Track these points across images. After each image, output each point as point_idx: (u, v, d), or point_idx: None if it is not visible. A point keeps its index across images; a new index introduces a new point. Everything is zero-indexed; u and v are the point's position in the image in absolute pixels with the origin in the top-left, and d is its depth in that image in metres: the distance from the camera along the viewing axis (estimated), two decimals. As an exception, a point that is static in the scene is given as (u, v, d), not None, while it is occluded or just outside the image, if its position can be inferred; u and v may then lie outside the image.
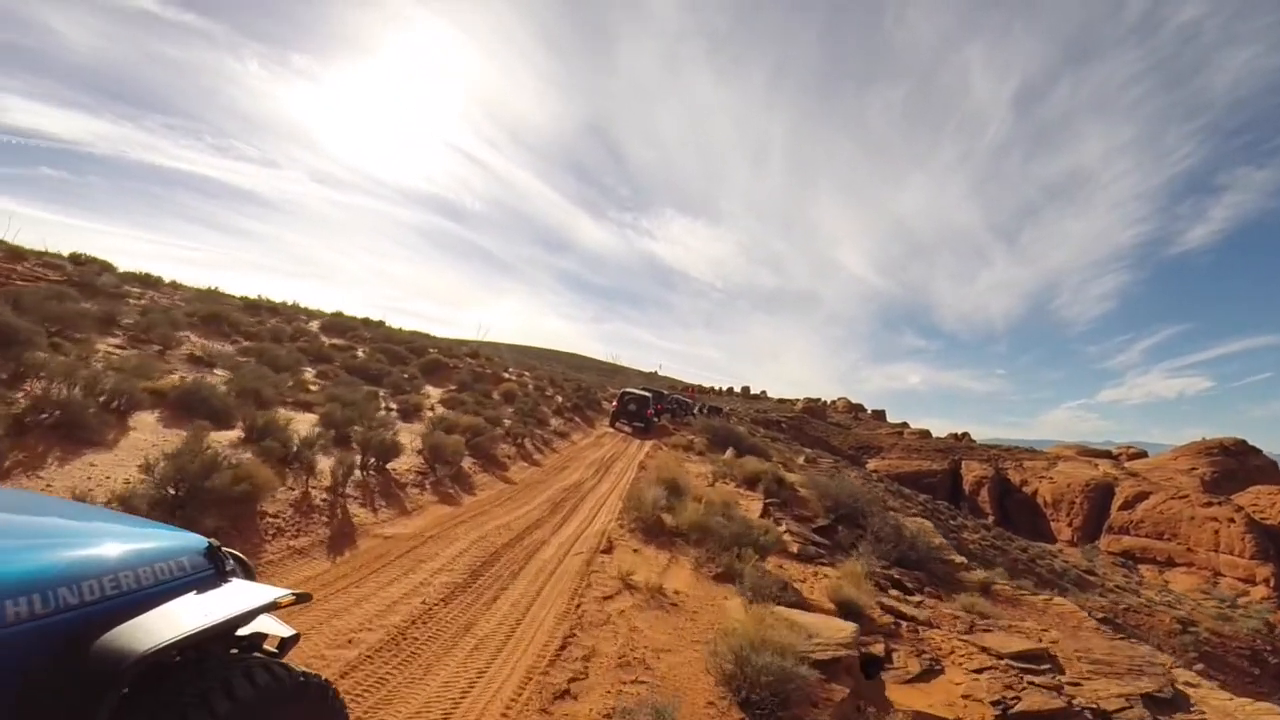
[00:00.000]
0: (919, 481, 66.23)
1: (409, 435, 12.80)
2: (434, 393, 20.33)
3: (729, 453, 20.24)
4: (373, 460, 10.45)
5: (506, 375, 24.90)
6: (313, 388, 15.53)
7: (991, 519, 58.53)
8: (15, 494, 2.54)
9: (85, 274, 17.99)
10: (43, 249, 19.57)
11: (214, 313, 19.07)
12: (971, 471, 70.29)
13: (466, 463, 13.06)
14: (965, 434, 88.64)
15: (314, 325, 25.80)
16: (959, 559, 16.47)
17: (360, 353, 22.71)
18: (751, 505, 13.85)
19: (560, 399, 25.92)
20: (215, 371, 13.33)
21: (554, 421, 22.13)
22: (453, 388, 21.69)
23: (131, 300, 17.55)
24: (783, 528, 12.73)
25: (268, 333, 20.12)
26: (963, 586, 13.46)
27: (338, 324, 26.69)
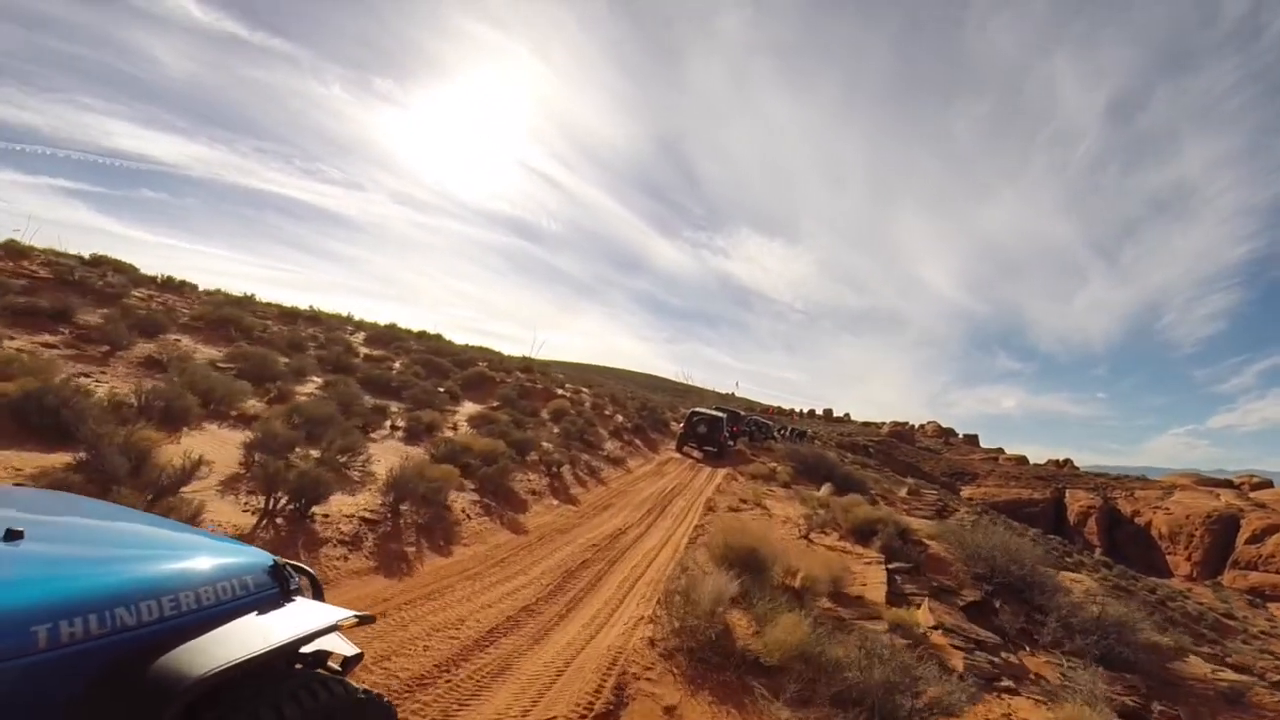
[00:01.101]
0: (1018, 511, 59.56)
1: (398, 461, 8.94)
2: (468, 409, 16.62)
3: (825, 489, 15.22)
4: (289, 505, 6.56)
5: (560, 392, 21.03)
6: (300, 398, 12.12)
7: (1099, 551, 51.34)
8: (81, 502, 2.23)
9: (90, 275, 15.62)
10: (56, 248, 17.48)
11: (224, 317, 16.26)
12: (1077, 501, 62.69)
13: (465, 501, 9.02)
14: (1068, 460, 79.45)
15: (359, 336, 22.99)
16: (1163, 639, 10.88)
17: (397, 365, 19.48)
18: (869, 574, 8.99)
19: (620, 418, 21.79)
20: (157, 377, 10.05)
21: (609, 445, 17.90)
22: (494, 404, 17.95)
23: (131, 301, 14.94)
24: (925, 614, 7.84)
25: (284, 339, 17.12)
26: (1195, 692, 8.19)
27: (386, 335, 23.78)
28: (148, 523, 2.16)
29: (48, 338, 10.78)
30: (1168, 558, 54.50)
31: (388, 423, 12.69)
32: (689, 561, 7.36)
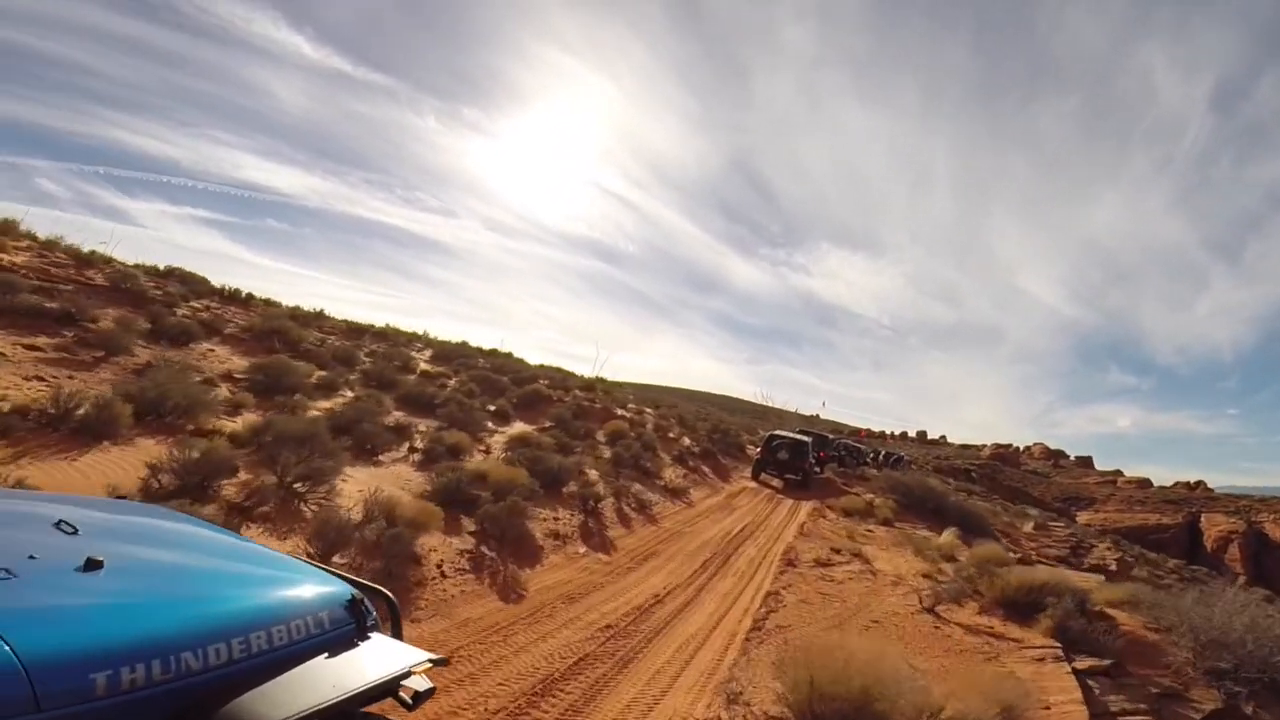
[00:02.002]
0: (1144, 538, 52.34)
1: (372, 492, 6.64)
2: (515, 429, 14.36)
3: (947, 535, 11.44)
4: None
5: (620, 412, 18.44)
6: (313, 411, 10.26)
7: (1242, 580, 43.55)
8: (175, 523, 2.00)
9: (149, 285, 14.82)
10: (139, 259, 16.99)
11: (272, 329, 15.02)
12: (1215, 525, 54.07)
13: (450, 550, 6.53)
14: (1200, 482, 68.44)
15: (424, 353, 21.59)
16: None
17: (452, 382, 17.69)
18: (1048, 682, 5.55)
19: (687, 441, 18.85)
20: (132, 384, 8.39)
21: (669, 473, 15.00)
22: (545, 425, 15.62)
23: (183, 311, 13.94)
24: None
25: (332, 353, 15.69)
26: None
27: (453, 352, 22.28)
28: (231, 547, 1.91)
29: (43, 339, 9.51)
30: None
31: (406, 444, 10.57)
32: (743, 689, 4.36)
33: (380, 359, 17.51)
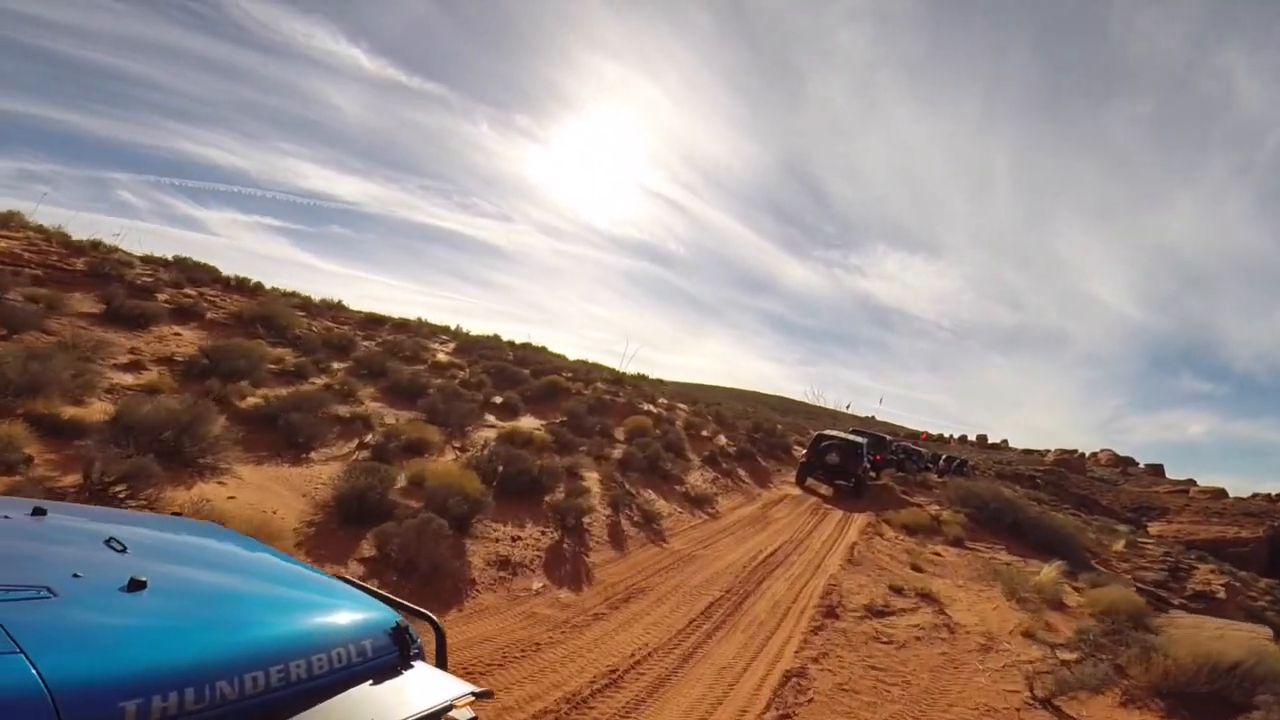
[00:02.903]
0: (1221, 551, 46.25)
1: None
2: (518, 424, 12.17)
3: (1050, 570, 8.21)
4: None
5: (647, 407, 15.96)
6: (250, 400, 8.36)
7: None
8: (220, 539, 1.87)
9: (135, 272, 13.57)
10: (150, 249, 15.93)
11: (260, 314, 13.45)
12: None
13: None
14: None
15: (448, 346, 19.85)
16: None
17: (465, 373, 15.76)
18: None
19: (723, 440, 16.18)
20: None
21: (694, 477, 12.42)
22: (557, 419, 13.37)
23: (160, 294, 12.54)
24: None
25: (323, 340, 14.00)
26: None
27: (475, 344, 20.44)
28: (278, 569, 1.77)
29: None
30: None
31: (357, 440, 8.51)
32: None
33: (385, 348, 15.79)
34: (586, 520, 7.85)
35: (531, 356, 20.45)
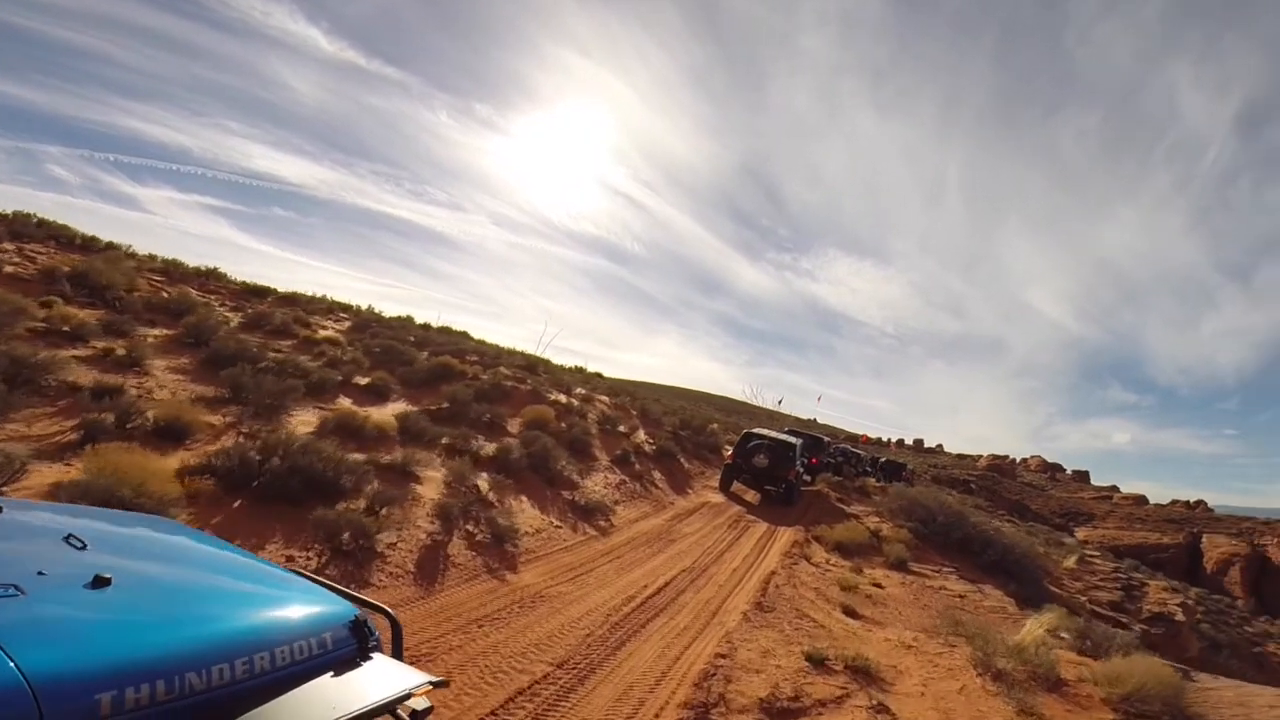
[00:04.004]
0: (1144, 556, 47.75)
1: None
2: (362, 411, 9.41)
3: (1039, 623, 5.95)
4: None
5: (555, 397, 13.33)
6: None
7: (1241, 602, 39.32)
8: (175, 534, 1.80)
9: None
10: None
11: (77, 271, 10.26)
12: (1216, 547, 49.47)
13: None
14: (1200, 502, 62.79)
15: (343, 323, 16.78)
16: None
17: (339, 350, 12.86)
18: None
19: (643, 437, 13.73)
20: None
21: (593, 480, 9.91)
22: (437, 406, 10.64)
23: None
24: None
25: (140, 302, 10.90)
26: None
27: (380, 323, 17.37)
28: (237, 564, 1.73)
29: None
30: None
31: (81, 417, 5.65)
32: None
33: (249, 320, 12.74)
34: (386, 540, 5.23)
35: (440, 339, 17.55)
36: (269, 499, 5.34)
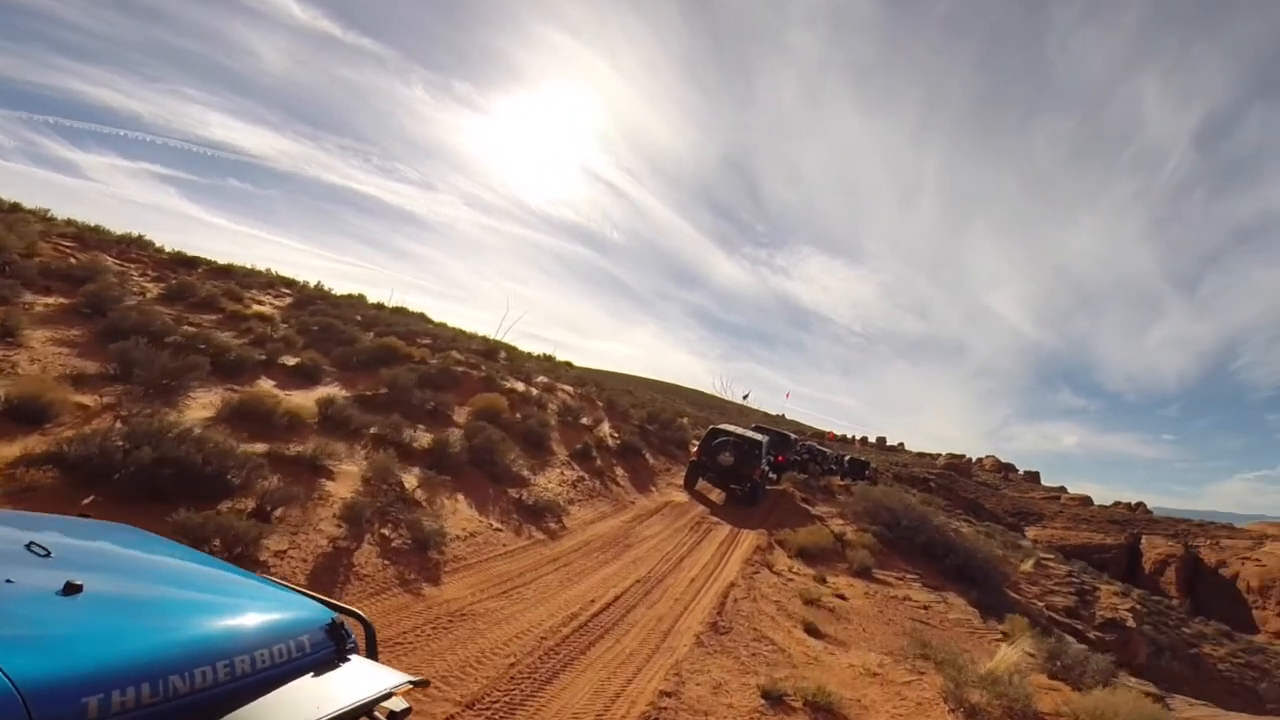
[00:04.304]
0: (1088, 556, 49.79)
1: None
2: (310, 394, 8.39)
3: (1014, 648, 5.43)
4: None
5: (512, 385, 12.40)
6: None
7: (1176, 602, 41.66)
8: (142, 541, 1.76)
9: None
10: None
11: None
12: (1154, 548, 52.23)
13: None
14: (1140, 504, 65.69)
15: (282, 299, 15.49)
16: None
17: (280, 326, 11.71)
18: None
19: (607, 430, 12.95)
20: None
21: (546, 478, 9.09)
22: (374, 391, 9.63)
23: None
24: None
25: (35, 268, 9.59)
26: None
27: (326, 300, 16.10)
28: (207, 568, 1.70)
29: None
30: (1255, 612, 44.21)
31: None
32: None
33: (170, 291, 11.48)
34: (274, 546, 4.34)
35: (392, 319, 16.38)
36: (130, 496, 4.38)
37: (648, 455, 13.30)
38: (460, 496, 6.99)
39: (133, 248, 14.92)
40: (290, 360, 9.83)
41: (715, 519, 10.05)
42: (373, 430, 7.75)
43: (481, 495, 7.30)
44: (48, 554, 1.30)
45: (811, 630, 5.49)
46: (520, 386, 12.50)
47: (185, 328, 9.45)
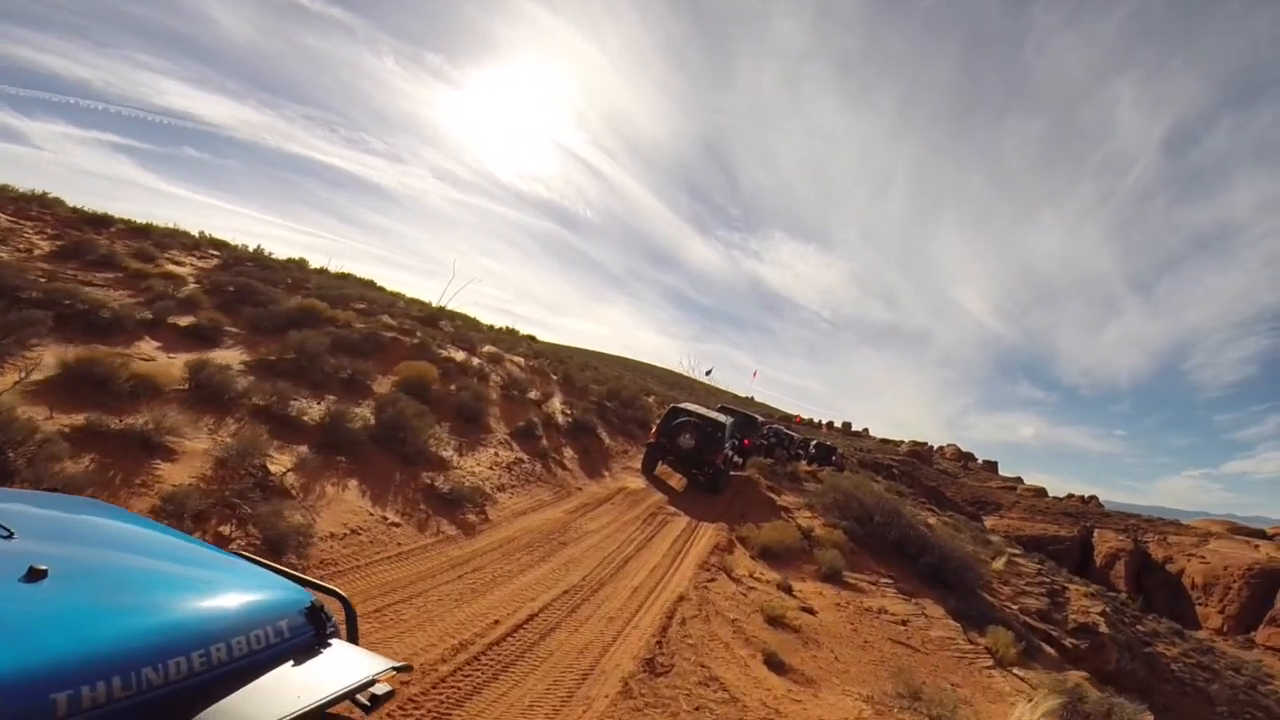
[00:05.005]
0: (1043, 548, 50.56)
1: None
2: (198, 356, 6.77)
3: (1033, 709, 4.38)
4: None
5: (449, 354, 10.85)
6: None
7: (1126, 597, 43.43)
8: (109, 517, 1.58)
9: None
10: None
11: None
12: (1105, 542, 52.67)
13: None
14: (1093, 497, 67.43)
15: (209, 261, 13.62)
16: None
17: (187, 285, 10.01)
18: None
19: (558, 406, 11.56)
20: None
21: (475, 459, 7.70)
22: (276, 356, 8.04)
23: None
24: None
25: None
26: None
27: (260, 263, 14.22)
28: (178, 548, 1.53)
29: None
30: (1198, 608, 45.05)
31: None
32: None
33: (70, 244, 9.64)
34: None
35: (328, 284, 14.58)
36: None
37: (604, 435, 11.99)
38: (352, 483, 5.57)
39: (35, 204, 12.91)
40: (183, 321, 8.18)
41: (673, 509, 8.81)
42: (254, 400, 6.23)
43: (382, 481, 5.89)
44: (10, 535, 1.19)
45: (773, 663, 4.29)
46: (460, 356, 10.99)
47: (54, 284, 7.74)
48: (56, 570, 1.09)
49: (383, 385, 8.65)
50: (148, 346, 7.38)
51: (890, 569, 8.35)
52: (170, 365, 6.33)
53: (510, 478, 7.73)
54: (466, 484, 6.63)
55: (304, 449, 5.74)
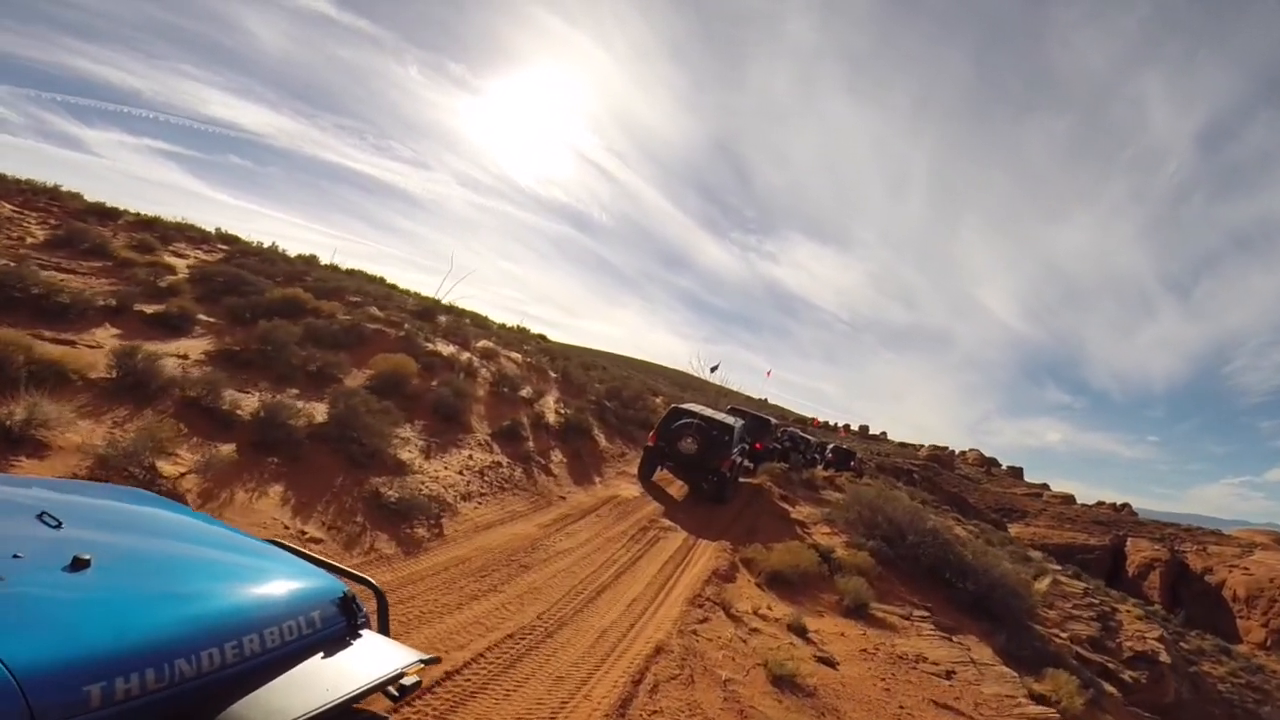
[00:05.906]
0: (1071, 556, 47.41)
1: None
2: (170, 346, 5.87)
3: None
4: None
5: (436, 348, 9.82)
6: None
7: (1163, 611, 39.95)
8: (150, 507, 1.57)
9: None
10: None
11: None
12: (1139, 551, 48.99)
13: None
14: (1125, 505, 63.16)
15: (214, 254, 13.04)
16: None
17: (174, 275, 9.31)
18: None
19: (549, 405, 10.46)
20: None
21: (444, 463, 6.65)
22: (240, 346, 7.16)
23: None
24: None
25: None
26: None
27: (262, 256, 13.55)
28: (220, 537, 1.52)
29: None
30: (1239, 621, 41.09)
31: None
32: None
33: (59, 236, 9.04)
34: None
35: (326, 277, 13.78)
36: None
37: (600, 437, 10.85)
38: (275, 488, 4.56)
39: (42, 196, 12.55)
40: (149, 309, 7.37)
41: (668, 523, 7.61)
42: (185, 392, 5.29)
43: (317, 487, 4.87)
44: (59, 525, 1.18)
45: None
46: (448, 350, 10.00)
47: (12, 268, 7.03)
48: (100, 560, 1.08)
49: (356, 379, 7.70)
50: (103, 334, 6.59)
51: (925, 597, 7.01)
52: (92, 353, 5.44)
53: (481, 484, 6.66)
54: (423, 491, 5.58)
55: (227, 448, 4.77)
